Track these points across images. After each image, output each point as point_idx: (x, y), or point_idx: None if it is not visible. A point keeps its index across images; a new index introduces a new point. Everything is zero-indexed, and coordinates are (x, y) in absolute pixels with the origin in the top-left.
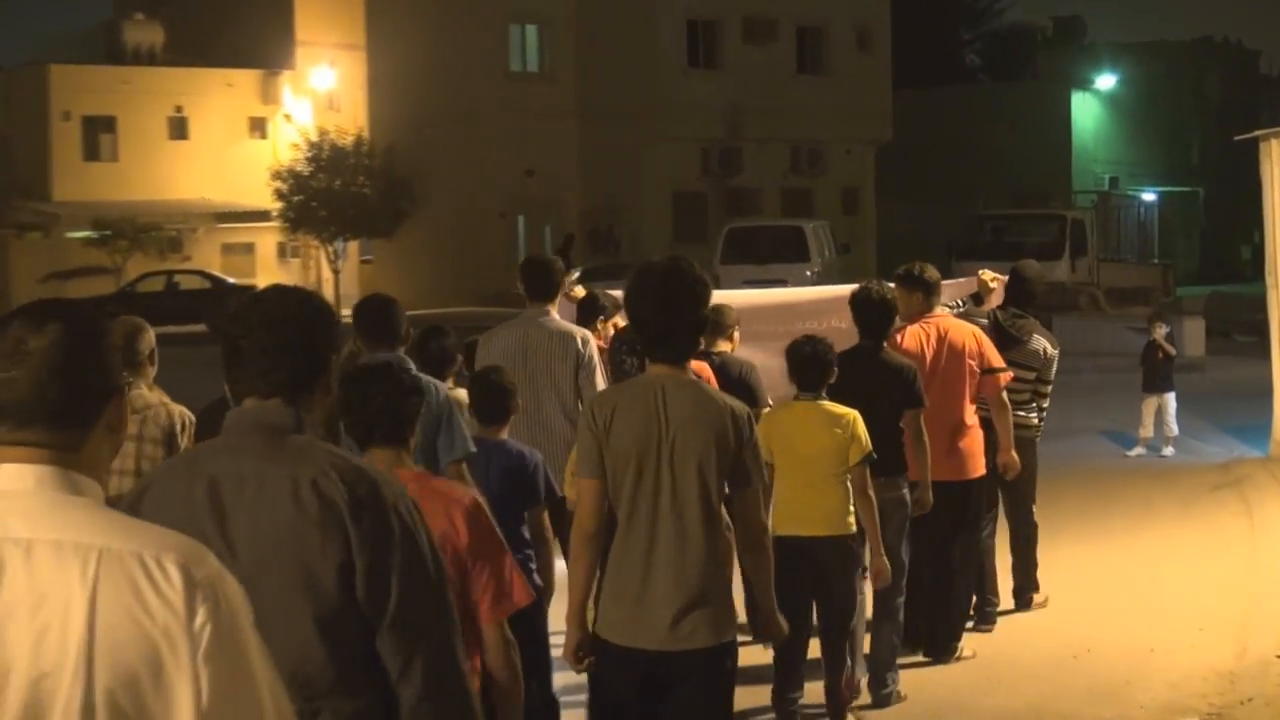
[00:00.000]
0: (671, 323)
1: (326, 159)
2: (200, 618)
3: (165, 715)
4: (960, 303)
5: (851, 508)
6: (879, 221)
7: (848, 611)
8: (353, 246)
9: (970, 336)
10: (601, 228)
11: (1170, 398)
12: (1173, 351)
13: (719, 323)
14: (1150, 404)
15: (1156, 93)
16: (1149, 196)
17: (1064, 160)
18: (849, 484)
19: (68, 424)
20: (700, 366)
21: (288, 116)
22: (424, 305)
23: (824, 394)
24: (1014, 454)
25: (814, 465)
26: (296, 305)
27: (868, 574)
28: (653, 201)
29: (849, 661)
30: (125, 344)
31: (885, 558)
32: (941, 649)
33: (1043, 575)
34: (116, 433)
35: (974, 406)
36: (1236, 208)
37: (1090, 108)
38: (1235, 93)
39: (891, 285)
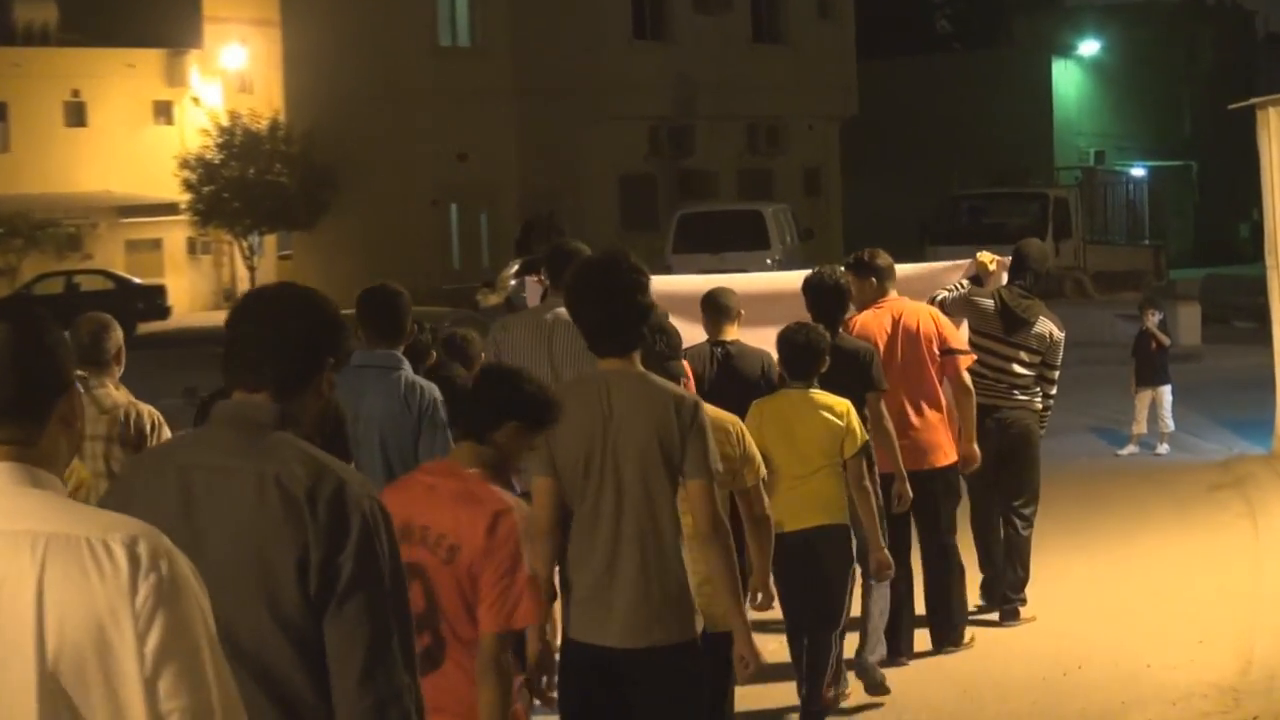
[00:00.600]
0: (615, 316)
1: (239, 145)
2: (143, 593)
3: (113, 690)
4: (959, 286)
5: (844, 497)
6: (845, 204)
7: (838, 607)
8: (269, 241)
9: (927, 318)
10: (542, 215)
11: (1165, 391)
12: (1166, 341)
13: (725, 307)
14: (1144, 398)
15: (1144, 58)
16: (1138, 172)
17: (1045, 134)
18: (844, 476)
19: (21, 420)
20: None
21: (196, 100)
22: (349, 304)
23: (816, 383)
24: (975, 446)
25: (809, 456)
26: (300, 302)
27: (856, 574)
28: (597, 186)
29: (832, 666)
30: (91, 342)
31: (885, 551)
32: (943, 638)
33: (1030, 587)
34: (71, 426)
35: (940, 391)
36: (1233, 182)
37: (1073, 76)
38: (1230, 57)
39: (843, 270)
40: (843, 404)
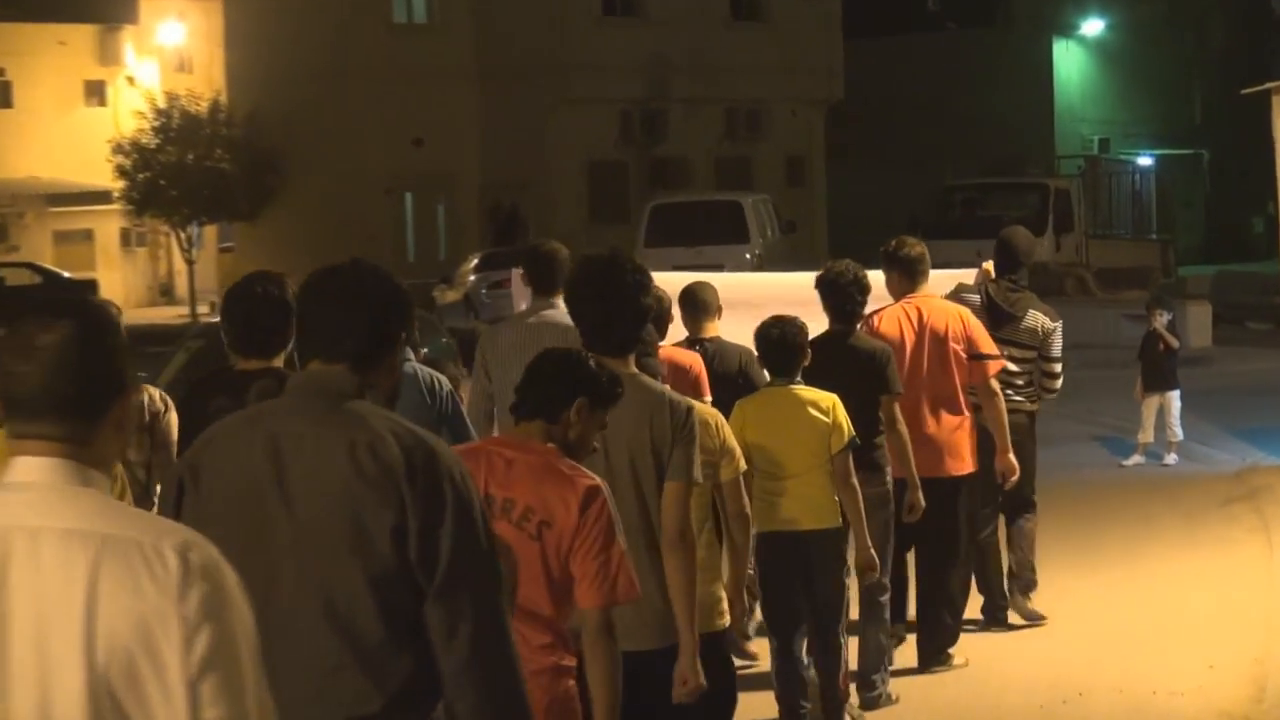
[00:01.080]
0: (614, 315)
1: (177, 129)
2: (193, 601)
3: (158, 691)
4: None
5: (835, 499)
6: (829, 195)
7: (838, 606)
8: (209, 232)
9: (956, 318)
10: (504, 206)
11: (1174, 397)
12: (1175, 344)
13: (704, 303)
14: (1150, 404)
15: (1152, 39)
16: (1145, 161)
17: (1045, 120)
18: (830, 474)
19: (77, 418)
20: (693, 360)
21: (130, 79)
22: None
23: (799, 378)
24: (1012, 457)
25: (794, 455)
26: (375, 279)
27: (851, 570)
28: (564, 174)
29: (843, 659)
30: None
31: (873, 550)
32: (928, 656)
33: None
34: (123, 430)
35: (964, 396)
36: (1247, 172)
37: (1075, 58)
38: (1244, 38)
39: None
40: (829, 399)
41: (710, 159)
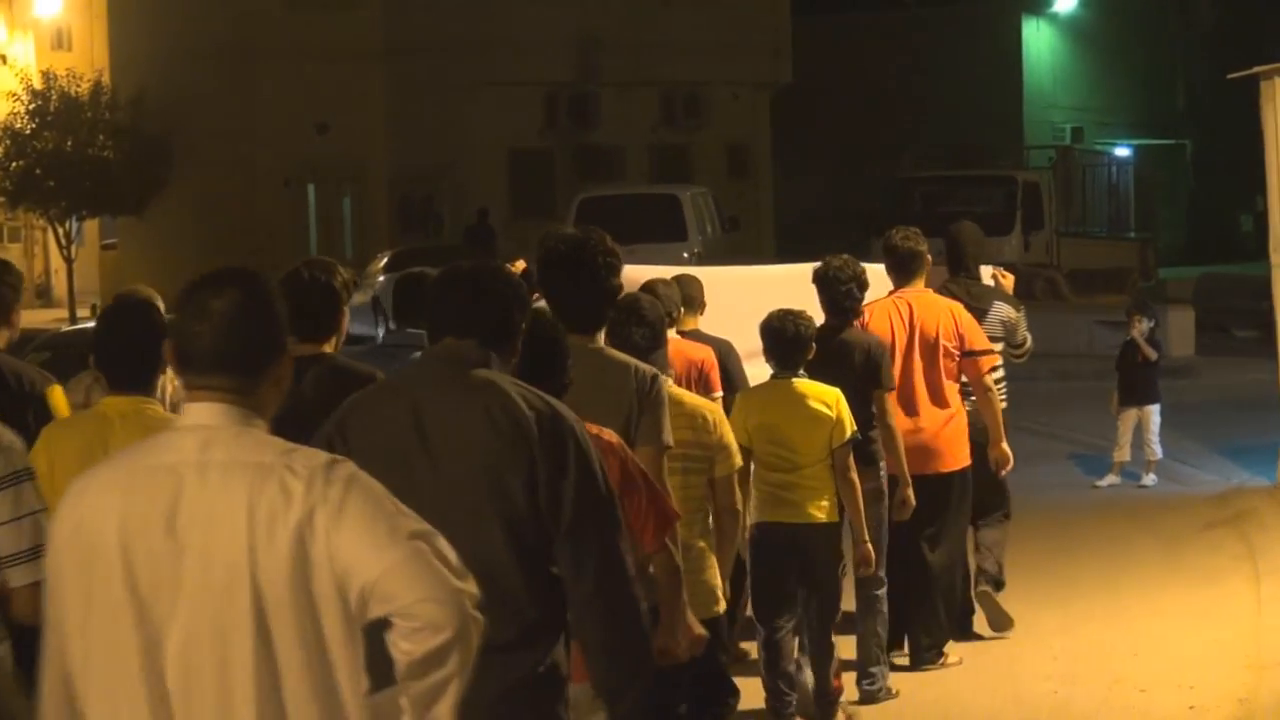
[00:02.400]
0: (582, 293)
1: (55, 113)
2: (334, 493)
3: (310, 591)
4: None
5: (835, 493)
6: (776, 188)
7: (833, 602)
8: (91, 226)
9: (948, 314)
10: (417, 198)
11: (1153, 411)
12: (1153, 355)
13: (688, 298)
14: (1127, 419)
15: (1132, 18)
16: (1122, 152)
17: (1013, 107)
18: (831, 468)
19: (241, 373)
20: (705, 354)
21: (2, 57)
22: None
23: (802, 372)
24: (1006, 446)
25: (797, 448)
26: (502, 283)
27: (846, 566)
28: (483, 164)
29: (835, 655)
30: None
31: (870, 544)
32: (919, 656)
33: (995, 643)
34: (281, 386)
35: (956, 392)
36: (1234, 165)
37: (1046, 39)
38: (1232, 17)
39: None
40: (832, 394)
41: (644, 147)
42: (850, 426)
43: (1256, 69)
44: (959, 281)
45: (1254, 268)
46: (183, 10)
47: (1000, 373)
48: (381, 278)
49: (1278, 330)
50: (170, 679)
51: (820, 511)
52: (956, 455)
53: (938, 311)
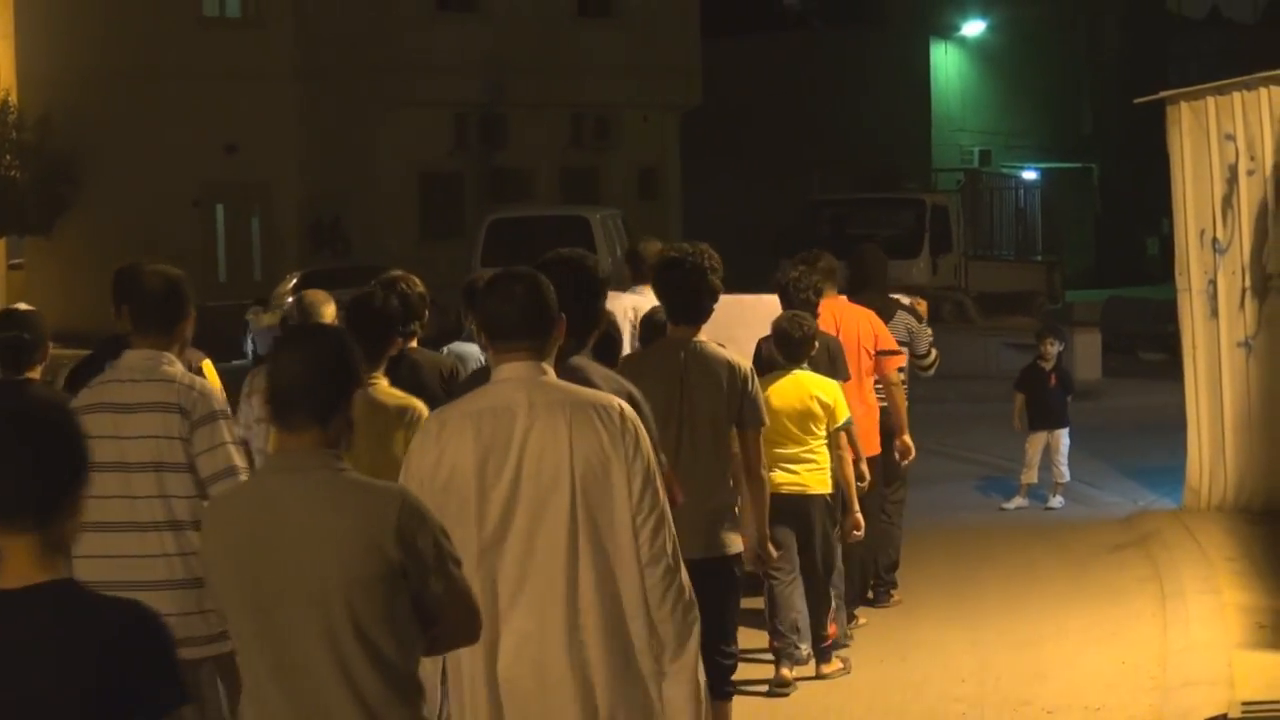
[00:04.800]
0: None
1: None
2: (628, 440)
3: (612, 493)
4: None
5: (830, 469)
6: (686, 210)
7: (830, 560)
8: None
9: (866, 321)
10: (326, 220)
11: (1062, 435)
12: (1051, 381)
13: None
14: (1036, 442)
15: (1039, 42)
16: (1030, 175)
17: (921, 129)
18: (829, 447)
19: (536, 337)
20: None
21: None
22: (93, 323)
23: (806, 365)
24: (909, 437)
25: (801, 429)
26: (544, 283)
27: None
28: (392, 185)
29: (833, 604)
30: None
31: (859, 514)
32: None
33: (900, 665)
34: (557, 343)
35: (871, 387)
36: (1141, 189)
37: (954, 62)
38: (1139, 42)
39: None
40: (831, 384)
41: (554, 169)
42: (845, 412)
43: (1163, 94)
44: (865, 299)
45: (1160, 291)
46: (91, 29)
47: (904, 374)
48: (290, 299)
49: (1184, 353)
50: (505, 566)
51: (819, 484)
52: (870, 443)
53: (858, 318)
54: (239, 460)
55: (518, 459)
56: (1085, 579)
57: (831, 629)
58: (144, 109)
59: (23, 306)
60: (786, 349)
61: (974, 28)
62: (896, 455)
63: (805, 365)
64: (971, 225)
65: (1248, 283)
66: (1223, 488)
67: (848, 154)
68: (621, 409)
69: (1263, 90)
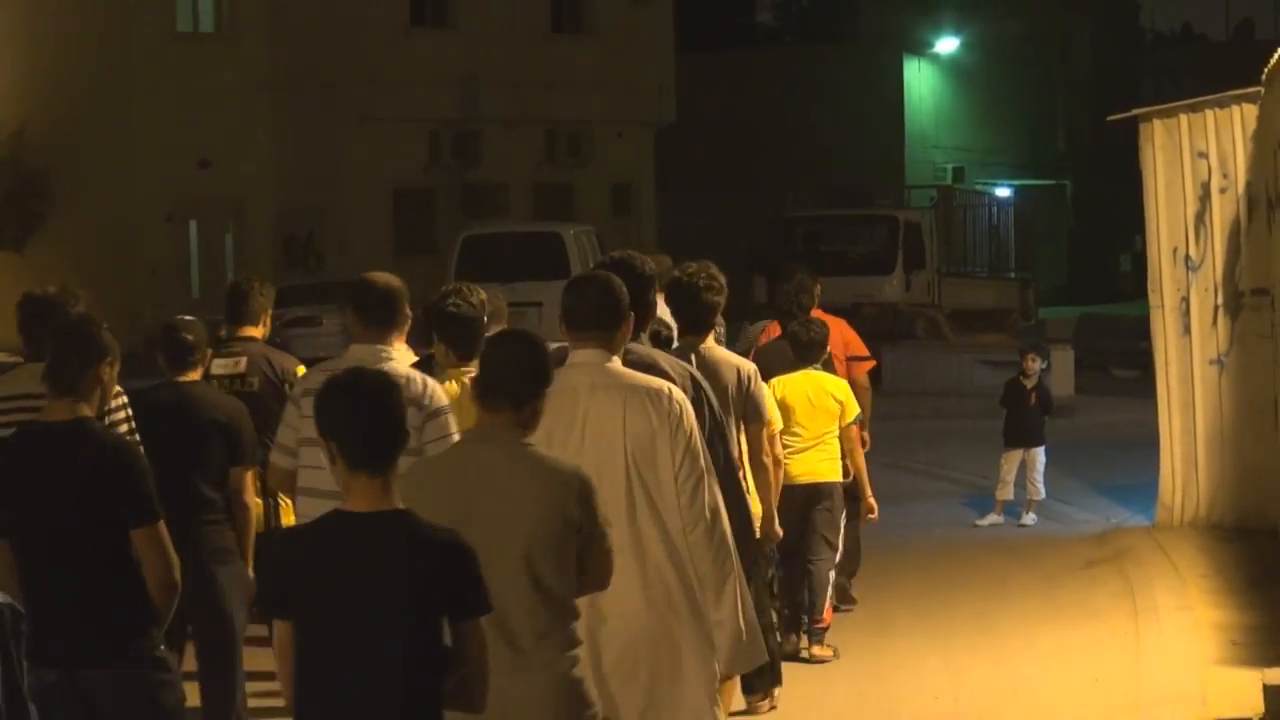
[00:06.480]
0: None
1: None
2: (673, 418)
3: (657, 461)
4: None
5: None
6: (659, 226)
7: (834, 544)
8: None
9: (838, 327)
10: (300, 236)
11: (1038, 453)
12: (1031, 399)
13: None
14: (1012, 459)
15: (1012, 59)
16: (1003, 192)
17: (894, 146)
18: (839, 439)
19: (606, 329)
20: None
21: None
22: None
23: (818, 365)
24: (866, 434)
25: (814, 423)
26: (618, 284)
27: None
28: (366, 201)
29: (828, 591)
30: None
31: (872, 498)
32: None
33: (873, 681)
34: (627, 336)
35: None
36: (1113, 206)
37: (927, 79)
38: (1111, 59)
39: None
40: (841, 383)
41: (528, 185)
42: (855, 408)
43: (1135, 111)
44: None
45: (1133, 308)
46: (64, 43)
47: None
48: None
49: (1156, 370)
50: None
51: (831, 473)
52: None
53: (831, 325)
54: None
55: (580, 431)
56: (1058, 596)
57: (827, 614)
58: (117, 124)
59: (187, 317)
60: (799, 350)
61: (947, 44)
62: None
63: (817, 366)
64: (945, 242)
65: (1220, 300)
66: (1195, 505)
67: (821, 170)
68: (670, 393)
69: (1235, 108)
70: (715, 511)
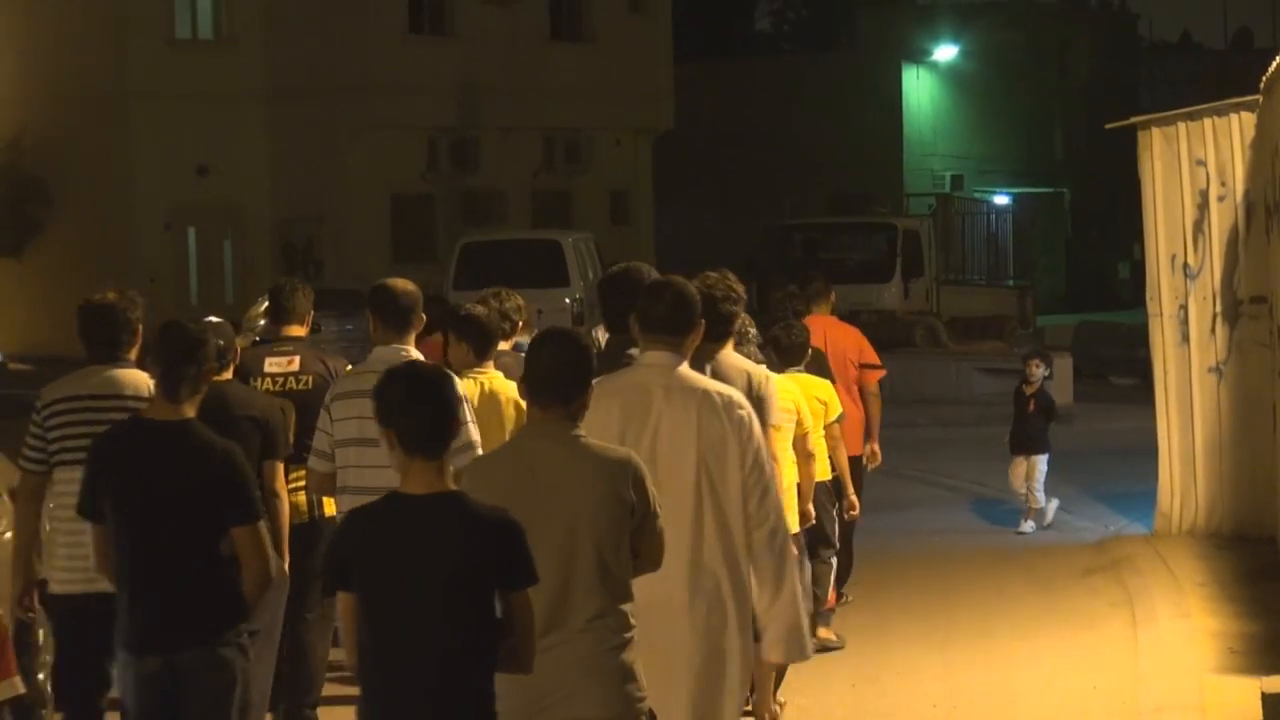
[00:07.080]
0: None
1: None
2: (743, 424)
3: (726, 468)
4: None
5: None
6: (657, 234)
7: (830, 536)
8: None
9: (851, 337)
10: (298, 243)
11: (1041, 461)
12: (1030, 406)
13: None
14: (1017, 466)
15: (1011, 68)
16: (1002, 200)
17: (893, 154)
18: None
19: (678, 333)
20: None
21: None
22: (64, 345)
23: (801, 368)
24: (877, 446)
25: (802, 422)
26: (679, 284)
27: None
28: (364, 208)
29: (829, 582)
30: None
31: (854, 495)
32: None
33: (871, 688)
34: (695, 343)
35: (856, 395)
36: (1112, 214)
37: (926, 87)
38: (1110, 67)
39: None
40: (825, 383)
41: (526, 193)
42: (838, 408)
43: (1134, 119)
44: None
45: (1131, 316)
46: (62, 50)
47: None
48: (263, 322)
49: (1155, 378)
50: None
51: (818, 471)
52: (855, 444)
53: (845, 333)
54: (476, 437)
55: (654, 430)
56: (1056, 604)
57: (831, 597)
58: (116, 131)
59: (214, 319)
60: (781, 354)
61: (946, 53)
62: (864, 460)
63: (800, 368)
64: (943, 250)
65: (1219, 308)
66: (1194, 513)
67: (819, 178)
68: (740, 401)
69: (1234, 116)
70: (780, 514)
